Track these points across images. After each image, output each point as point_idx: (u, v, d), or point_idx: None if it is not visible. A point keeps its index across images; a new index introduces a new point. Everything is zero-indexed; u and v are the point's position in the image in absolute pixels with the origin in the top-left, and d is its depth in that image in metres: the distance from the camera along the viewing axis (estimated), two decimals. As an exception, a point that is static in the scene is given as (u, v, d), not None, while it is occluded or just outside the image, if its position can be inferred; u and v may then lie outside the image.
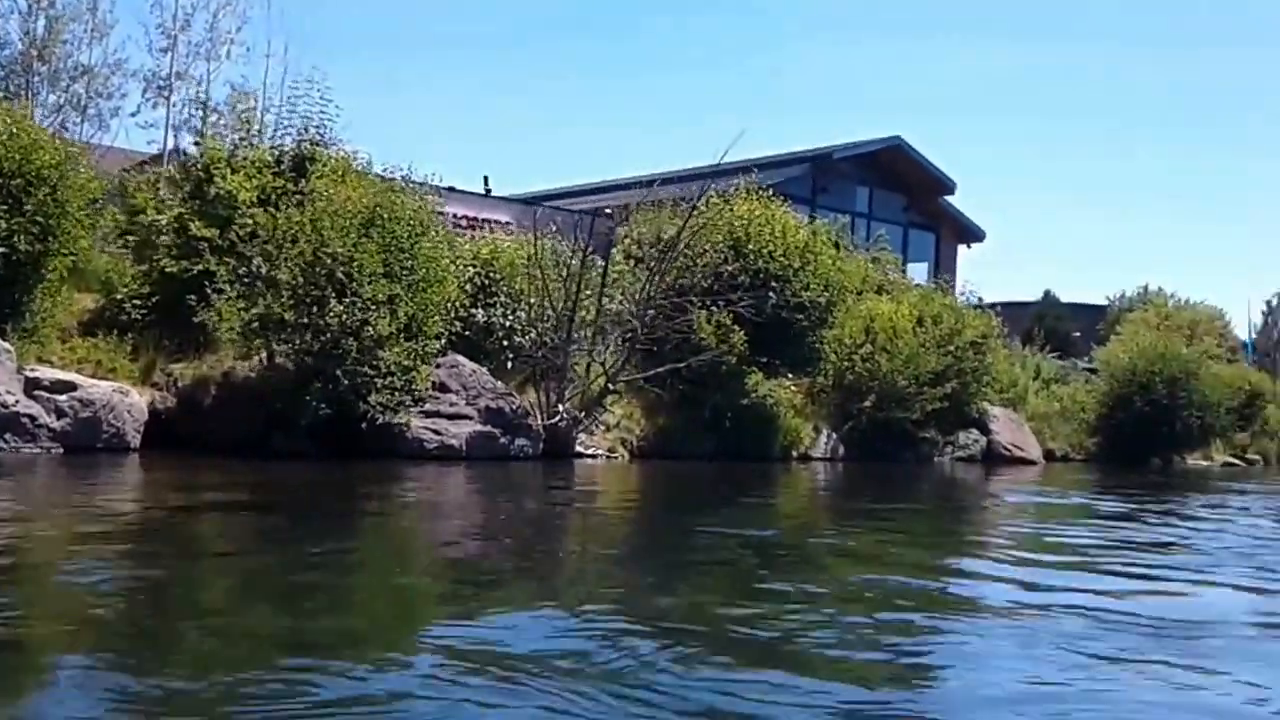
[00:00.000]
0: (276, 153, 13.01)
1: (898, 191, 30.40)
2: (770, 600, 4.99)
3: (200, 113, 16.76)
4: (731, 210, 15.71)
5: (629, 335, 14.29)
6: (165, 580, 4.88)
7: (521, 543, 6.97)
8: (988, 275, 67.06)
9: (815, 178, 28.15)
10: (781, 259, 15.18)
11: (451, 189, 18.15)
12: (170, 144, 17.15)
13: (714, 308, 14.44)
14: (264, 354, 11.76)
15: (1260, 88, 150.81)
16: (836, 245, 17.48)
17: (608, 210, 27.03)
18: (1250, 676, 3.68)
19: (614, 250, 14.98)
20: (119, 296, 12.16)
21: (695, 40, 74.44)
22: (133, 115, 17.60)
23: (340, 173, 12.41)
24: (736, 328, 14.47)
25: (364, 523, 7.55)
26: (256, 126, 13.67)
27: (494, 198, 22.84)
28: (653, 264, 14.71)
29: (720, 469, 14.14)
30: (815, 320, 15.70)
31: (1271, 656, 4.17)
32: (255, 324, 11.04)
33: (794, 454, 16.58)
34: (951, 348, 17.72)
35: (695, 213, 15.40)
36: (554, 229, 15.77)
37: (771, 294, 14.96)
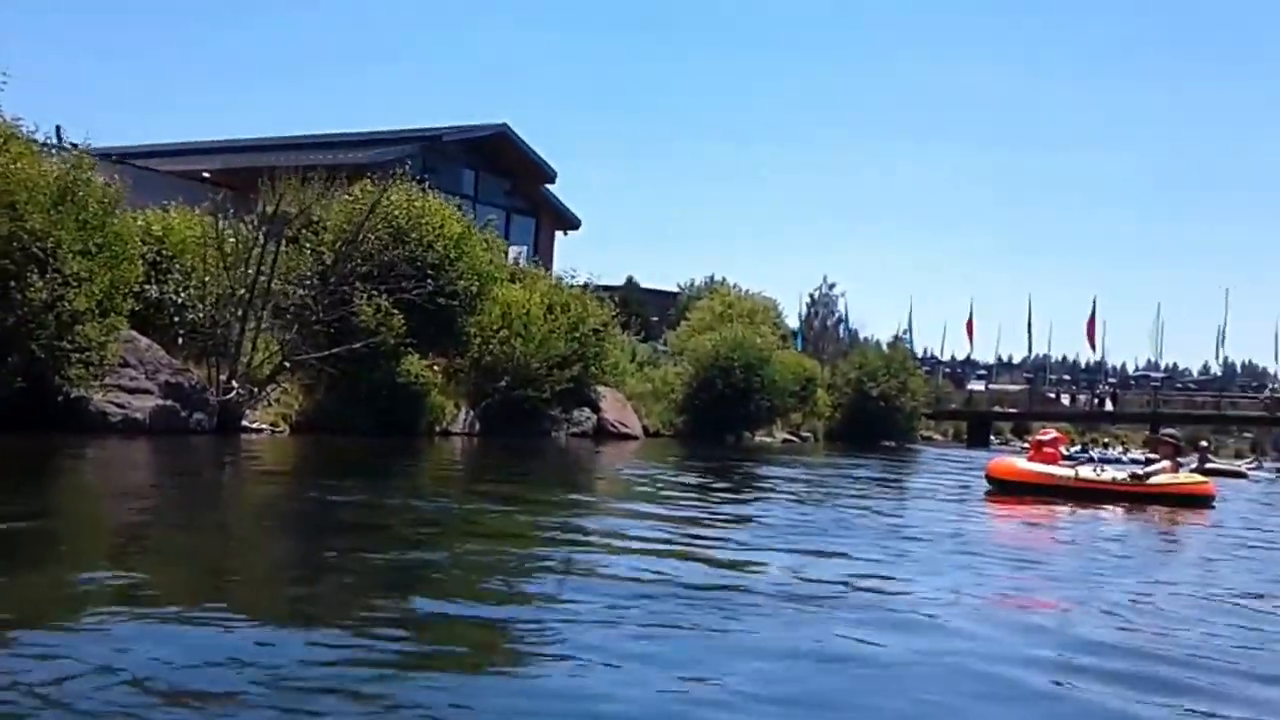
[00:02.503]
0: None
1: (503, 177, 33.12)
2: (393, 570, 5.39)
3: None
4: (390, 198, 17.44)
5: (298, 315, 15.71)
6: None
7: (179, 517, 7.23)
8: (579, 261, 72.57)
9: (425, 158, 30.13)
10: (440, 249, 17.25)
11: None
12: None
13: (375, 292, 16.23)
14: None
15: (809, 91, 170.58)
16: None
17: (205, 174, 27.45)
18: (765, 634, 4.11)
19: (286, 230, 16.18)
20: None
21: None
22: None
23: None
24: (396, 312, 16.36)
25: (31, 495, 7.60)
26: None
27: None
28: (323, 249, 16.18)
29: (373, 443, 15.83)
30: (465, 307, 17.94)
31: (788, 618, 4.50)
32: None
33: (436, 429, 18.71)
34: (578, 334, 20.73)
35: (353, 199, 17.04)
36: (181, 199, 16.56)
37: (430, 281, 16.99)
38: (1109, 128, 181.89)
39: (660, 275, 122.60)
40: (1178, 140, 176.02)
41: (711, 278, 46.63)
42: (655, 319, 38.54)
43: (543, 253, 33.06)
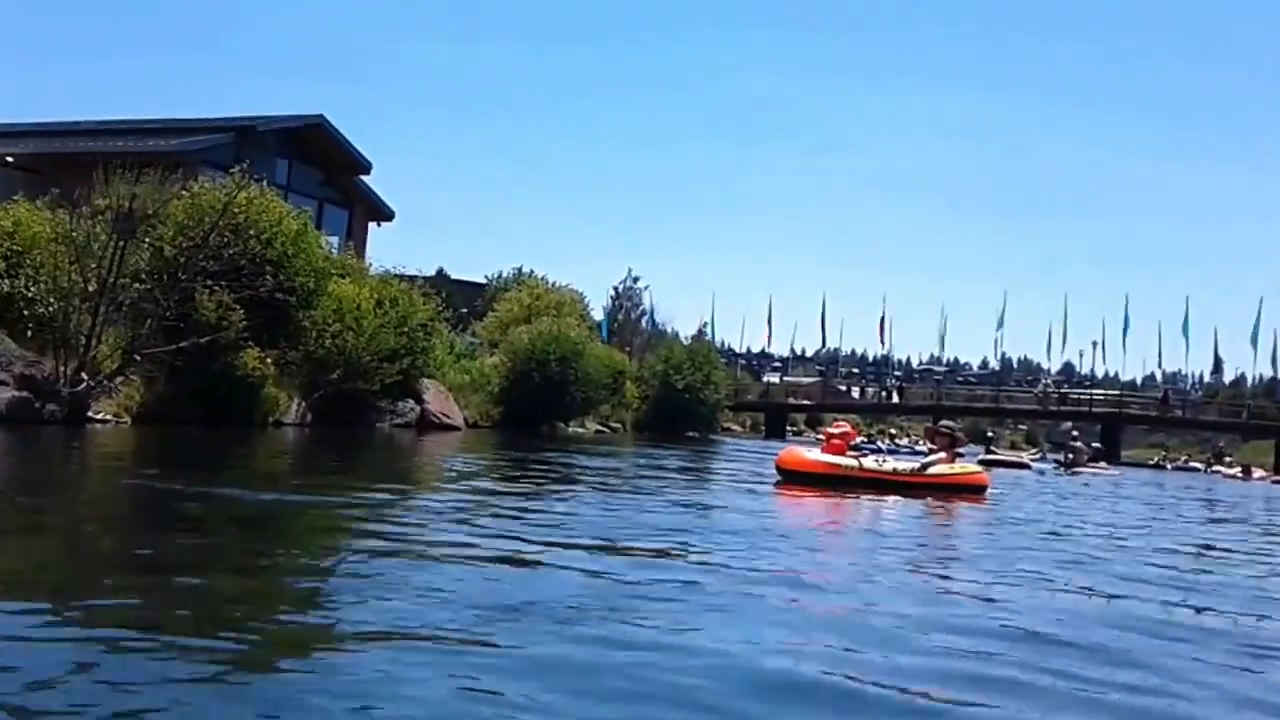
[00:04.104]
0: None
1: (317, 167, 33.84)
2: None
3: None
4: (227, 194, 18.50)
5: (144, 309, 16.70)
6: None
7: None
8: (392, 252, 72.49)
9: (239, 147, 30.68)
10: (279, 245, 18.47)
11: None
12: None
13: (217, 287, 17.38)
14: None
15: (610, 83, 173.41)
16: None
17: (9, 159, 27.46)
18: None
19: (138, 226, 17.06)
20: None
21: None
22: None
23: None
24: (236, 307, 17.54)
25: None
26: None
27: None
28: (163, 244, 17.20)
29: (208, 433, 16.92)
30: (303, 302, 19.20)
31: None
32: None
33: (269, 420, 19.87)
34: (406, 328, 22.20)
35: (192, 195, 18.08)
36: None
37: (269, 277, 18.20)
38: (900, 132, 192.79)
39: (469, 266, 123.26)
40: (962, 146, 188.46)
41: (519, 269, 48.30)
42: (465, 310, 39.90)
43: (356, 244, 33.94)
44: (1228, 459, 58.27)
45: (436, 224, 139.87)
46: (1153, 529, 12.70)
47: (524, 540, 6.78)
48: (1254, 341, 59.19)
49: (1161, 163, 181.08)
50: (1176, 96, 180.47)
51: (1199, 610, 6.00)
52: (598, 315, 49.02)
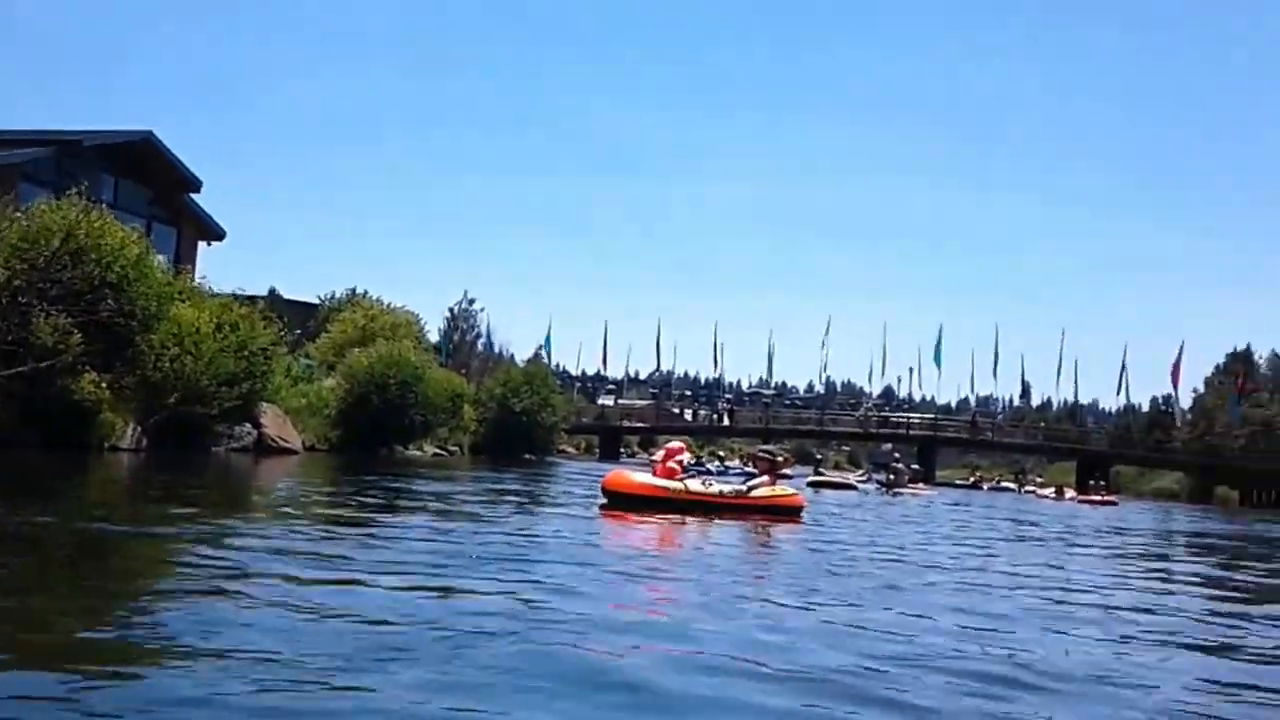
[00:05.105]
0: None
1: (145, 185, 33.20)
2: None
3: None
4: (64, 216, 18.36)
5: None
6: None
7: None
8: (223, 271, 70.47)
9: (61, 162, 29.94)
10: (119, 269, 18.43)
11: None
12: None
13: (54, 311, 17.27)
14: None
15: (443, 101, 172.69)
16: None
17: None
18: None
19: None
20: None
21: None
22: None
23: None
24: (74, 330, 17.45)
25: None
26: None
27: None
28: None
29: (43, 458, 16.66)
30: (143, 325, 19.17)
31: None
32: None
33: (105, 445, 19.71)
34: (246, 352, 22.27)
35: (28, 216, 17.90)
36: None
37: (109, 301, 18.15)
38: (735, 161, 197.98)
39: (301, 286, 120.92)
40: (793, 175, 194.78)
41: (353, 290, 48.10)
42: (298, 331, 39.59)
43: (185, 263, 33.39)
44: (1038, 479, 62.32)
45: (268, 243, 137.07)
46: (960, 552, 13.08)
47: (352, 569, 6.66)
48: (1058, 369, 63.37)
49: (974, 194, 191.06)
50: (989, 129, 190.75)
51: (979, 635, 6.04)
52: (433, 337, 49.25)
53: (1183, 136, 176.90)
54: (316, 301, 47.92)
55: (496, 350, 59.17)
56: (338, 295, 48.21)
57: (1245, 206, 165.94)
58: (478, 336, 59.85)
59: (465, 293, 60.74)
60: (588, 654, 4.59)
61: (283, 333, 24.70)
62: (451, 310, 59.84)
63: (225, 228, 36.20)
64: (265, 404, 25.48)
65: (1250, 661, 5.95)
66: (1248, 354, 72.43)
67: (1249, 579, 12.19)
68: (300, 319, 41.65)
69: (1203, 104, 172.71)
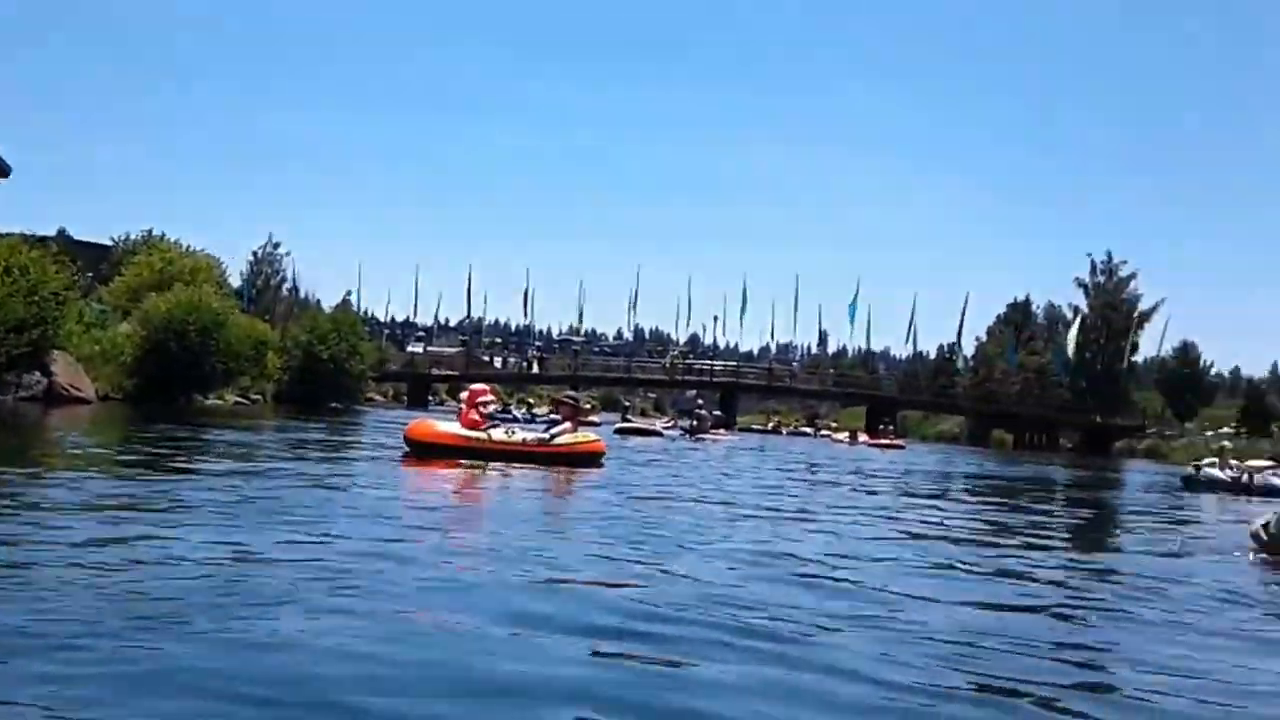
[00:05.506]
0: None
1: (-83, 118, 31.30)
2: None
3: None
4: None
5: None
6: None
7: None
8: (7, 212, 65.86)
9: None
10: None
11: None
12: None
13: None
14: None
15: (250, 41, 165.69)
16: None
17: None
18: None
19: None
20: None
21: None
22: None
23: None
24: None
25: None
26: None
27: None
28: None
29: None
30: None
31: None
32: None
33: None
34: (36, 298, 21.49)
35: None
36: None
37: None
38: (540, 110, 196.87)
39: (93, 227, 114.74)
40: (598, 126, 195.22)
41: (149, 232, 46.14)
42: (90, 275, 38.05)
43: (-37, 201, 31.78)
44: (833, 424, 65.33)
45: (55, 181, 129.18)
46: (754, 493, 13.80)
47: (136, 525, 6.28)
48: (851, 317, 66.23)
49: (778, 146, 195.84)
50: (790, 81, 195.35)
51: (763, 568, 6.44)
52: (236, 283, 47.86)
53: (967, 97, 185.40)
54: (110, 243, 45.94)
55: (303, 296, 57.76)
56: (133, 237, 46.13)
57: (1025, 162, 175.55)
58: (283, 281, 58.24)
59: (270, 236, 58.51)
60: (376, 612, 4.41)
61: (75, 277, 23.82)
62: (255, 254, 58.01)
63: (10, 163, 34.58)
64: (56, 351, 24.59)
65: (1014, 590, 6.43)
66: (1026, 304, 77.14)
67: (1020, 518, 12.75)
68: (92, 261, 39.95)
69: (983, 63, 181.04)
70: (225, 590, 4.60)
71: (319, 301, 56.65)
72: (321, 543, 6.18)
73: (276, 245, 58.41)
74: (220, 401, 31.98)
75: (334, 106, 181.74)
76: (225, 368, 29.79)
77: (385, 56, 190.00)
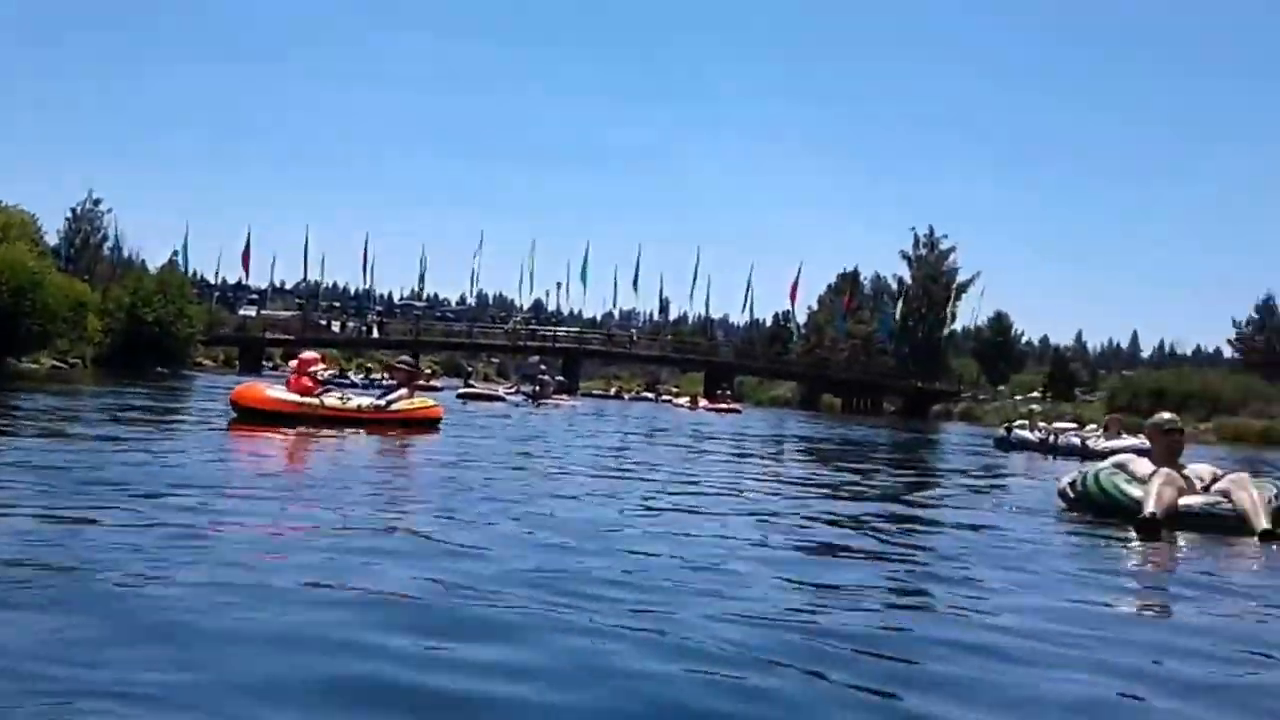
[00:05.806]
0: None
1: None
2: None
3: None
4: None
5: None
6: None
7: None
8: None
9: None
10: None
11: None
12: None
13: None
14: None
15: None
16: None
17: None
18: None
19: None
20: None
21: None
22: None
23: None
24: None
25: None
26: None
27: None
28: None
29: None
30: None
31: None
32: None
33: None
34: None
35: None
36: None
37: None
38: (396, 73, 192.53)
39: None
40: (451, 91, 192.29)
41: (-46, 186, 43.66)
42: None
43: None
44: (674, 389, 66.25)
45: None
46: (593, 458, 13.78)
47: None
48: (691, 286, 67.15)
49: (624, 112, 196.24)
50: (639, 49, 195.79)
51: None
52: (53, 241, 45.50)
53: (813, 77, 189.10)
54: (-91, 198, 43.07)
55: (126, 256, 55.12)
56: (-65, 191, 43.44)
57: (861, 139, 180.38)
58: (104, 240, 55.54)
59: (90, 193, 55.52)
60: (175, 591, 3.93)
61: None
62: (74, 211, 55.19)
63: None
64: None
65: (833, 536, 6.71)
66: (855, 275, 79.67)
67: (847, 476, 12.92)
68: None
69: (826, 43, 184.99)
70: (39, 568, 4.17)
71: (144, 262, 54.13)
72: (139, 509, 5.80)
73: (97, 202, 55.74)
74: (35, 365, 30.44)
75: (165, 60, 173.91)
76: (41, 329, 28.26)
77: (224, 7, 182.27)
